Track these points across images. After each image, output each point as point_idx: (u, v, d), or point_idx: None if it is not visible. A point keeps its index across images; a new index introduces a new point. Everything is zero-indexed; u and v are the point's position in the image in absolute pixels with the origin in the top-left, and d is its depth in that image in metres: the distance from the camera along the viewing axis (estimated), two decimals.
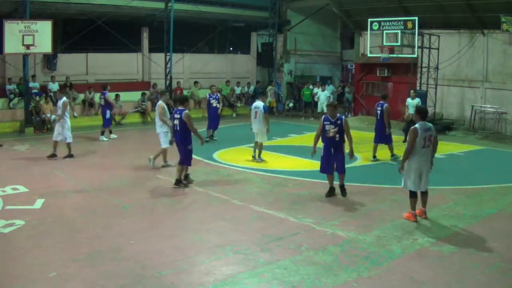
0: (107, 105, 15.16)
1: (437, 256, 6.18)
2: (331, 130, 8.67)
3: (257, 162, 11.79)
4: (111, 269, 5.63)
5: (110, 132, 15.49)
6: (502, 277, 5.65)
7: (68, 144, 12.05)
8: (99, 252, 6.12)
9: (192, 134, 9.35)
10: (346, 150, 8.99)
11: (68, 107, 12.19)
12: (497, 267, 5.88)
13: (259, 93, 14.57)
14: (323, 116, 8.95)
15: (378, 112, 12.55)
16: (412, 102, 15.04)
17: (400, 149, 11.88)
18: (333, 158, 8.81)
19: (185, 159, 9.41)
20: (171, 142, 10.36)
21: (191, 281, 5.42)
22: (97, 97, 18.58)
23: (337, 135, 8.68)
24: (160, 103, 11.04)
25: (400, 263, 5.98)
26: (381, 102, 12.57)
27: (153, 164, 11.12)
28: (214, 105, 14.88)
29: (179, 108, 9.37)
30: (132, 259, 5.92)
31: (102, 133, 15.17)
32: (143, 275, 5.50)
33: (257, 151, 11.98)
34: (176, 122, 9.28)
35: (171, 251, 6.21)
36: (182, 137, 9.28)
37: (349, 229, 7.14)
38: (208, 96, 15.11)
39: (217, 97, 15.10)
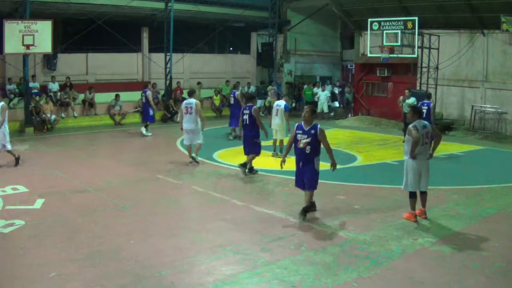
0: (148, 102, 15.99)
1: (437, 256, 6.18)
2: (302, 140, 7.45)
3: (279, 157, 12.00)
4: (111, 269, 5.63)
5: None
6: (502, 277, 5.65)
7: (10, 152, 11.14)
8: (99, 252, 6.12)
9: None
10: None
11: (7, 112, 11.15)
12: (497, 267, 5.88)
13: (262, 93, 14.91)
14: (297, 124, 7.71)
15: (424, 111, 12.74)
16: (407, 102, 14.99)
17: (399, 150, 11.88)
18: (301, 172, 7.65)
19: (253, 149, 10.55)
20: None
21: (191, 281, 5.42)
22: (97, 97, 18.67)
23: (308, 147, 7.39)
24: (197, 101, 11.79)
25: (400, 263, 5.98)
26: (426, 101, 13.12)
27: (197, 159, 11.66)
28: (232, 103, 15.57)
29: (248, 104, 10.76)
30: (132, 259, 5.92)
31: (146, 127, 15.98)
32: (143, 275, 5.50)
33: (278, 146, 12.64)
34: (246, 117, 10.55)
35: (171, 251, 6.21)
36: (250, 130, 10.49)
37: (349, 229, 7.15)
38: (232, 94, 15.78)
39: (234, 93, 15.89)
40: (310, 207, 7.64)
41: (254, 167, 10.68)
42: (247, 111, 10.57)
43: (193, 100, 11.65)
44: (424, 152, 7.51)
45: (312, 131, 7.41)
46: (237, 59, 24.55)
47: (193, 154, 11.63)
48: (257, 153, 10.64)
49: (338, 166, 9.88)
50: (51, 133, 16.16)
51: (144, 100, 16.28)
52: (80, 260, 5.86)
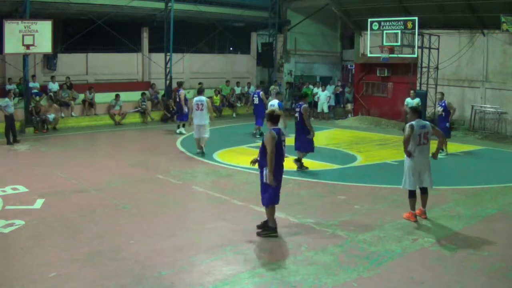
0: (181, 101, 16.16)
1: (437, 256, 6.18)
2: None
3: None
4: (111, 269, 5.63)
5: (179, 127, 16.35)
6: (502, 277, 5.65)
7: None
8: (99, 252, 6.12)
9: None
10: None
11: None
12: (497, 267, 5.88)
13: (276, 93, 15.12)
14: None
15: (439, 109, 13.47)
16: (412, 102, 15.09)
17: (399, 150, 11.87)
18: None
19: (302, 147, 10.85)
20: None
21: (191, 281, 5.42)
22: (97, 97, 18.66)
23: (259, 156, 6.84)
24: (207, 99, 12.70)
25: (400, 263, 5.98)
26: (443, 100, 13.48)
27: (202, 152, 12.50)
28: (256, 102, 15.73)
29: (300, 102, 10.99)
30: (132, 259, 5.93)
31: (183, 126, 16.24)
32: (143, 275, 5.50)
33: None
34: (297, 114, 10.89)
35: (171, 251, 6.21)
36: (302, 126, 10.76)
37: (349, 229, 7.15)
38: (257, 94, 15.91)
39: (258, 93, 16.23)
40: (263, 226, 6.84)
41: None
42: (298, 109, 10.92)
43: (203, 98, 12.57)
44: (423, 151, 7.50)
45: (263, 138, 6.71)
46: (237, 59, 24.56)
47: (201, 145, 12.55)
48: (311, 149, 10.95)
49: (338, 166, 9.97)
50: (51, 133, 16.15)
51: (177, 100, 16.69)
52: (80, 260, 5.86)
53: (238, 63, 24.42)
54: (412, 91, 15.46)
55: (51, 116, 16.73)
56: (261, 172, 6.74)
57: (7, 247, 6.30)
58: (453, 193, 9.34)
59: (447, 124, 13.24)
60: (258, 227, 6.89)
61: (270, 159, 6.47)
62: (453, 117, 18.20)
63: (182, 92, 16.28)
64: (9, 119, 13.99)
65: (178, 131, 16.33)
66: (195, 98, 12.62)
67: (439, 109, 13.50)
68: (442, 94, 14.15)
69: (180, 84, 17.14)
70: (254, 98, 16.02)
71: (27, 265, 5.72)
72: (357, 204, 8.51)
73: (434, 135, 7.67)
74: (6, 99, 14.20)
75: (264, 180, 6.67)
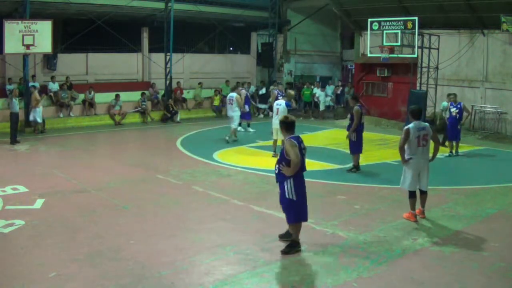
0: (246, 100, 16.86)
1: (437, 256, 6.18)
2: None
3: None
4: (111, 269, 5.63)
5: (240, 124, 16.72)
6: (502, 277, 5.65)
7: None
8: (99, 252, 6.12)
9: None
10: None
11: None
12: (497, 267, 5.88)
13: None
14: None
15: (453, 110, 13.18)
16: (445, 106, 14.35)
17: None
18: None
19: (354, 148, 10.93)
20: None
21: (191, 281, 5.42)
22: (97, 97, 18.66)
23: (276, 167, 6.24)
24: (237, 95, 15.09)
25: (400, 263, 5.98)
26: (459, 102, 13.28)
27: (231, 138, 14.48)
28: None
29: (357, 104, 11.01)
30: (132, 259, 5.92)
31: (248, 125, 17.19)
32: (143, 275, 5.50)
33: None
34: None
35: (171, 251, 6.21)
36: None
37: (349, 229, 7.15)
38: (276, 93, 16.13)
39: (283, 94, 16.49)
40: (288, 237, 6.42)
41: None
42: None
43: (234, 94, 15.15)
44: (423, 153, 7.51)
45: (282, 147, 6.20)
46: (237, 59, 24.56)
47: (228, 136, 14.53)
48: (357, 152, 10.97)
49: (338, 166, 9.94)
50: (51, 133, 16.13)
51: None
52: (80, 260, 5.86)
53: (238, 63, 24.42)
54: (452, 95, 13.77)
55: (37, 114, 15.73)
56: (282, 188, 6.12)
57: (7, 247, 6.30)
58: (453, 193, 9.34)
59: (459, 127, 12.96)
60: (282, 236, 6.53)
61: (295, 167, 5.89)
62: None
63: (243, 91, 16.83)
64: (14, 118, 14.05)
65: (248, 130, 16.96)
66: (229, 94, 15.48)
67: (454, 110, 13.09)
68: (455, 95, 13.62)
69: (241, 84, 18.51)
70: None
71: (27, 265, 5.73)
72: (357, 204, 8.51)
73: (431, 139, 7.65)
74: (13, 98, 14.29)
75: (287, 196, 6.06)
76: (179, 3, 20.00)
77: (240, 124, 16.79)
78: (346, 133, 11.10)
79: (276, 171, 6.18)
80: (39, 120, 15.75)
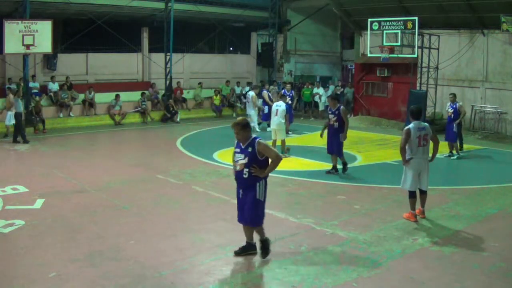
0: (264, 101, 16.90)
1: (437, 256, 6.18)
2: (239, 161, 5.96)
3: (284, 157, 12.11)
4: (111, 269, 5.63)
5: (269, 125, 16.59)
6: (502, 277, 5.65)
7: None
8: (99, 252, 6.11)
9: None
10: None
11: None
12: (497, 267, 5.88)
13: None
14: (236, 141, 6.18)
15: (449, 111, 13.09)
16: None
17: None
18: (242, 203, 6.03)
19: (340, 150, 10.64)
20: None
21: (191, 281, 5.42)
22: (97, 97, 18.66)
23: (246, 170, 5.85)
24: (254, 94, 16.00)
25: (400, 263, 5.98)
26: (455, 102, 13.04)
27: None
28: (286, 101, 15.95)
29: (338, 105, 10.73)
30: (132, 259, 5.92)
31: (268, 125, 16.48)
32: (143, 275, 5.50)
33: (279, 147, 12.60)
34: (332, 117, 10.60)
35: (171, 251, 6.20)
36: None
37: (349, 229, 7.14)
38: (283, 93, 16.08)
39: (291, 94, 16.96)
40: (265, 247, 6.02)
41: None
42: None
43: (251, 93, 16.15)
44: (423, 153, 7.52)
45: (250, 149, 5.83)
46: (237, 59, 24.56)
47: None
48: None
49: (338, 166, 9.88)
50: (51, 133, 16.12)
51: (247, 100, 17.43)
52: (80, 260, 5.86)
53: (238, 63, 24.42)
54: (450, 95, 13.59)
55: (8, 118, 14.60)
56: (253, 190, 5.84)
57: (7, 247, 6.30)
58: (453, 193, 9.34)
59: (454, 128, 12.80)
60: (238, 253, 6.08)
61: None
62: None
63: (265, 92, 16.98)
64: (18, 118, 14.08)
65: (268, 129, 16.67)
66: (248, 93, 16.55)
67: (450, 110, 13.07)
68: (454, 95, 13.51)
69: (263, 85, 18.73)
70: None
71: (27, 265, 5.72)
72: (357, 204, 8.51)
73: (431, 139, 7.66)
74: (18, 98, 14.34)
75: (258, 197, 5.85)
76: (179, 3, 19.99)
77: (259, 124, 17.09)
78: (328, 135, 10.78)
79: (246, 176, 5.82)
80: (8, 123, 14.70)
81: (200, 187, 9.49)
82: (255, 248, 6.10)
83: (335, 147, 10.62)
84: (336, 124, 10.52)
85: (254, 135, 6.03)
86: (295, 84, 24.26)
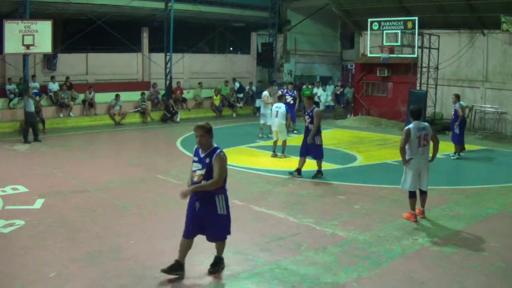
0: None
1: (437, 256, 6.18)
2: (197, 172, 5.42)
3: (285, 157, 12.35)
4: (111, 269, 5.63)
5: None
6: (502, 277, 5.65)
7: None
8: (99, 252, 6.12)
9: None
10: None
11: None
12: (497, 267, 5.88)
13: (260, 93, 15.63)
14: (195, 147, 5.61)
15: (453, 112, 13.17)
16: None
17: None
18: (199, 217, 5.51)
19: (319, 154, 10.31)
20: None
21: (190, 281, 5.42)
22: (97, 97, 18.65)
23: (203, 182, 5.35)
24: (266, 93, 16.01)
25: (400, 263, 5.98)
26: (457, 103, 13.02)
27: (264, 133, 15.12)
28: (288, 101, 16.22)
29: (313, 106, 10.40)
30: (132, 259, 5.93)
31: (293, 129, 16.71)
32: (143, 275, 5.50)
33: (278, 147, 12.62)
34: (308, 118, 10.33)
35: (171, 251, 6.17)
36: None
37: (349, 229, 7.15)
38: (284, 93, 16.09)
39: (293, 94, 16.92)
40: (218, 263, 5.68)
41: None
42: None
43: (265, 92, 16.24)
44: (423, 153, 7.52)
45: (208, 160, 5.33)
46: (237, 59, 24.57)
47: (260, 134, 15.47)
48: (323, 156, 10.36)
49: (338, 166, 9.87)
50: (51, 133, 16.12)
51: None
52: (80, 260, 5.86)
53: (238, 63, 24.43)
54: (452, 96, 13.58)
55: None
56: (213, 203, 5.41)
57: (7, 247, 6.30)
58: (453, 193, 9.34)
59: (456, 130, 12.84)
60: (212, 271, 5.62)
61: (214, 185, 5.32)
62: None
63: (278, 91, 17.00)
64: (29, 117, 14.09)
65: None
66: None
67: (453, 112, 13.15)
68: (456, 96, 13.37)
69: (276, 84, 19.12)
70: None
71: (27, 265, 5.72)
72: (357, 204, 8.51)
73: (431, 139, 7.66)
74: (26, 97, 14.40)
75: (220, 211, 5.44)
76: (179, 3, 20.01)
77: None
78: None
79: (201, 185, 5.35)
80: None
81: None
82: (183, 269, 5.47)
83: (312, 150, 10.19)
84: (310, 126, 10.12)
85: (216, 145, 5.48)
86: (295, 84, 24.32)
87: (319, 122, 10.06)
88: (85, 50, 19.39)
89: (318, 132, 10.10)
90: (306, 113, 10.47)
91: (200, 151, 5.45)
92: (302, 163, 10.33)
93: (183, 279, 5.45)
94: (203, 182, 5.32)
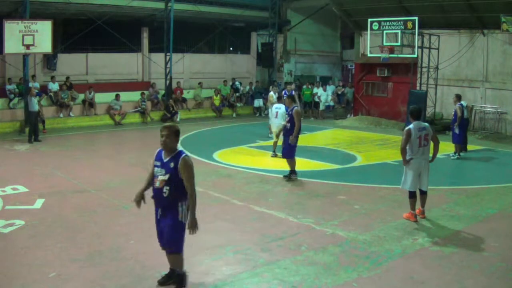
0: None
1: (437, 256, 6.18)
2: (159, 177, 5.01)
3: (278, 157, 12.15)
4: (111, 269, 5.63)
5: None
6: (502, 277, 5.65)
7: None
8: (99, 252, 6.11)
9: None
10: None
11: None
12: (497, 267, 5.88)
13: (259, 93, 15.56)
14: (158, 150, 5.37)
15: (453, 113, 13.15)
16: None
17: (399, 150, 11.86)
18: (161, 224, 5.11)
19: (289, 153, 10.03)
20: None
21: (191, 281, 5.41)
22: (97, 97, 18.65)
23: (166, 188, 4.93)
24: (271, 94, 15.88)
25: (400, 263, 5.98)
26: (457, 104, 13.03)
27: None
28: None
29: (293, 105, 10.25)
30: (132, 259, 5.93)
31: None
32: (143, 275, 5.50)
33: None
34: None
35: None
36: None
37: (349, 229, 7.14)
38: (283, 93, 16.06)
39: (292, 94, 16.69)
40: (171, 277, 5.25)
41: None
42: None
43: (270, 93, 16.19)
44: (423, 153, 7.52)
45: (172, 164, 4.95)
46: (237, 59, 24.56)
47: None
48: (294, 156, 10.11)
49: (338, 166, 9.86)
50: (51, 133, 16.12)
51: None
52: (80, 260, 5.86)
53: (238, 63, 24.43)
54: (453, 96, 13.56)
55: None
56: (175, 209, 4.96)
57: (7, 247, 6.30)
58: (453, 193, 9.34)
59: (456, 130, 12.86)
60: (161, 282, 5.24)
61: (194, 192, 4.93)
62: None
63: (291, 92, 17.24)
64: (32, 117, 14.10)
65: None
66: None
67: (453, 112, 13.17)
68: (457, 96, 13.36)
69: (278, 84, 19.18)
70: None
71: (27, 265, 5.72)
72: (357, 204, 8.51)
73: (432, 139, 7.66)
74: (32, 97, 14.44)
75: (180, 219, 4.97)
76: (179, 3, 20.00)
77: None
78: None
79: (166, 194, 4.92)
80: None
81: (200, 187, 9.43)
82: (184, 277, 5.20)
83: (284, 149, 10.12)
84: (288, 125, 10.02)
85: (181, 149, 5.14)
86: (295, 84, 24.33)
87: (300, 121, 9.92)
88: (85, 50, 19.39)
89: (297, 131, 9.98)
90: (286, 112, 10.38)
91: (163, 154, 5.10)
92: (293, 163, 10.21)
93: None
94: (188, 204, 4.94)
